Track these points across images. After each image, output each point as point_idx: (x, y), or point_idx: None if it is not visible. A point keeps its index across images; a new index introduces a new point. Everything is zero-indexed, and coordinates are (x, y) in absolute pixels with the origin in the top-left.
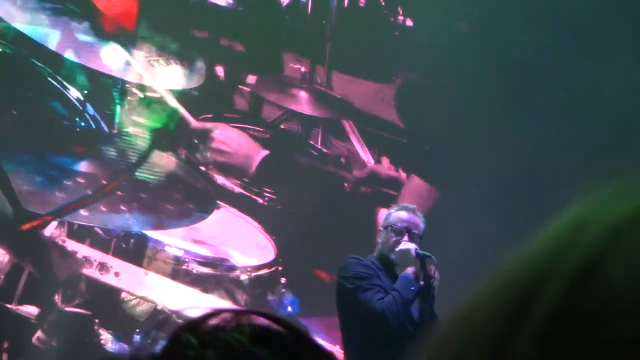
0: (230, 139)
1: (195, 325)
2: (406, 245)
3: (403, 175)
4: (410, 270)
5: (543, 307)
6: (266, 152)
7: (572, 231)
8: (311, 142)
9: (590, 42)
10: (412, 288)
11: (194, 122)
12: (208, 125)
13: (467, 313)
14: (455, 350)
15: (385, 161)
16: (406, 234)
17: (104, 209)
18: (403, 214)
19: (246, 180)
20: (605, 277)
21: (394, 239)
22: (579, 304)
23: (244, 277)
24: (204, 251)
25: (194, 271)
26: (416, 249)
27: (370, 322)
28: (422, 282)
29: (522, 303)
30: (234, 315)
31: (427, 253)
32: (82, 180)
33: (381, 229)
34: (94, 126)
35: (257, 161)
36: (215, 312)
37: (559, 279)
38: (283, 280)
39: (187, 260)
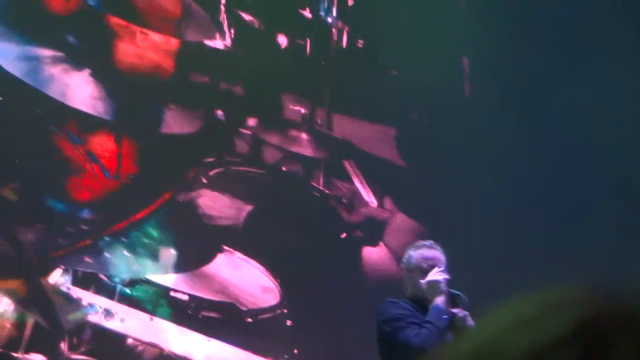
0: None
1: None
2: (435, 276)
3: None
4: (440, 300)
5: None
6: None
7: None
8: (313, 183)
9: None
10: (445, 317)
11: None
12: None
13: None
14: None
15: (387, 202)
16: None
17: (107, 255)
18: (425, 252)
19: (249, 223)
20: None
21: (422, 280)
22: None
23: (249, 320)
24: (209, 295)
25: (199, 315)
26: (445, 280)
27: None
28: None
29: None
30: None
31: (457, 292)
32: (85, 228)
33: (405, 272)
34: (96, 173)
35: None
36: None
37: None
38: (289, 323)
39: (192, 304)
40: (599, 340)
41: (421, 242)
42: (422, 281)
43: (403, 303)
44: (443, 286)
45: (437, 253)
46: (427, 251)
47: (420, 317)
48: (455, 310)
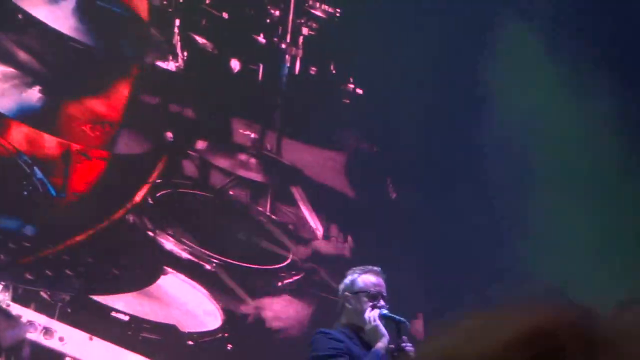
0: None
1: None
2: (375, 317)
3: (347, 246)
4: (380, 346)
5: None
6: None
7: None
8: (260, 208)
9: None
10: None
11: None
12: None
13: None
14: None
15: (333, 229)
16: (380, 298)
17: (49, 272)
18: (372, 278)
19: (194, 246)
20: None
21: (368, 304)
22: None
23: (189, 343)
24: (150, 316)
25: (140, 337)
26: (387, 310)
27: None
28: (393, 346)
29: None
30: None
31: (402, 319)
32: (28, 244)
33: (347, 294)
34: (40, 189)
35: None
36: None
37: None
38: (229, 347)
39: (132, 325)
40: (549, 348)
41: (368, 267)
42: (369, 304)
43: (337, 334)
44: (384, 331)
45: (382, 281)
46: (374, 277)
47: (353, 348)
48: (403, 344)
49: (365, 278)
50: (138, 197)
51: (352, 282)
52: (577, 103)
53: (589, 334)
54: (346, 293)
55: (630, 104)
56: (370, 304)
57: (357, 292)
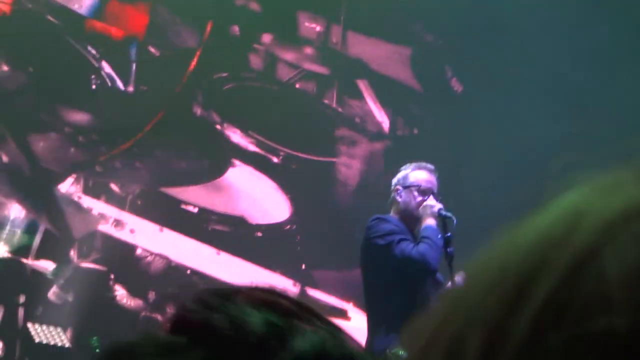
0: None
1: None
2: (432, 202)
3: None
4: (433, 222)
5: (538, 295)
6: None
7: (568, 221)
8: (326, 101)
9: None
10: (440, 236)
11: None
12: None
13: (466, 294)
14: (453, 333)
15: (399, 121)
16: (431, 194)
17: (119, 165)
18: (425, 175)
19: (261, 139)
20: (600, 269)
21: (419, 199)
22: (572, 294)
23: (258, 234)
24: (219, 208)
25: (209, 228)
26: (440, 209)
27: (410, 272)
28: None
29: (517, 290)
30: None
31: (449, 214)
32: (96, 138)
33: (399, 188)
34: (109, 84)
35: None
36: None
37: (555, 268)
38: (298, 238)
39: (202, 217)
40: None
41: (423, 164)
42: (419, 199)
43: (393, 219)
44: (436, 211)
45: (435, 179)
46: (427, 174)
47: (410, 235)
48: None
49: (418, 174)
50: (204, 90)
51: (405, 176)
52: None
53: None
54: (398, 186)
55: None
56: (420, 198)
57: (408, 186)
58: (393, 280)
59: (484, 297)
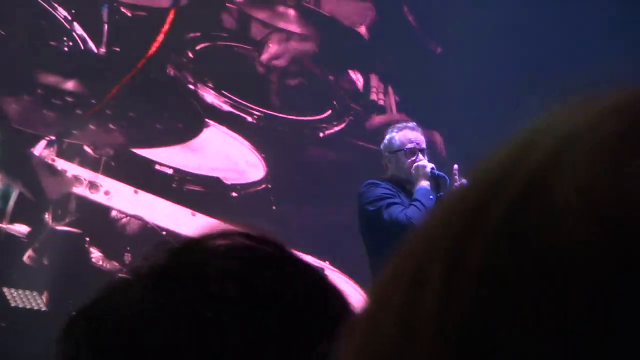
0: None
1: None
2: (423, 162)
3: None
4: (425, 183)
5: (489, 223)
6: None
7: (518, 149)
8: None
9: None
10: (431, 197)
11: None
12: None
13: (427, 228)
14: (415, 266)
15: (374, 79)
16: (419, 152)
17: (92, 127)
18: (409, 134)
19: (235, 98)
20: (550, 190)
21: (409, 160)
22: (523, 217)
23: (233, 194)
24: (194, 169)
25: (184, 189)
26: (432, 168)
27: (398, 236)
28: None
29: (470, 220)
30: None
31: (442, 174)
32: (70, 99)
33: (387, 153)
34: (82, 46)
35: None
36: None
37: (505, 194)
38: (272, 198)
39: (176, 178)
40: None
41: (404, 124)
42: (409, 161)
43: (384, 184)
44: (429, 172)
45: (419, 135)
46: (411, 133)
47: (402, 198)
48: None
49: (402, 135)
50: (177, 51)
51: (390, 140)
52: None
53: None
54: (386, 153)
55: None
56: (410, 160)
57: (395, 152)
58: (387, 244)
59: (440, 230)
